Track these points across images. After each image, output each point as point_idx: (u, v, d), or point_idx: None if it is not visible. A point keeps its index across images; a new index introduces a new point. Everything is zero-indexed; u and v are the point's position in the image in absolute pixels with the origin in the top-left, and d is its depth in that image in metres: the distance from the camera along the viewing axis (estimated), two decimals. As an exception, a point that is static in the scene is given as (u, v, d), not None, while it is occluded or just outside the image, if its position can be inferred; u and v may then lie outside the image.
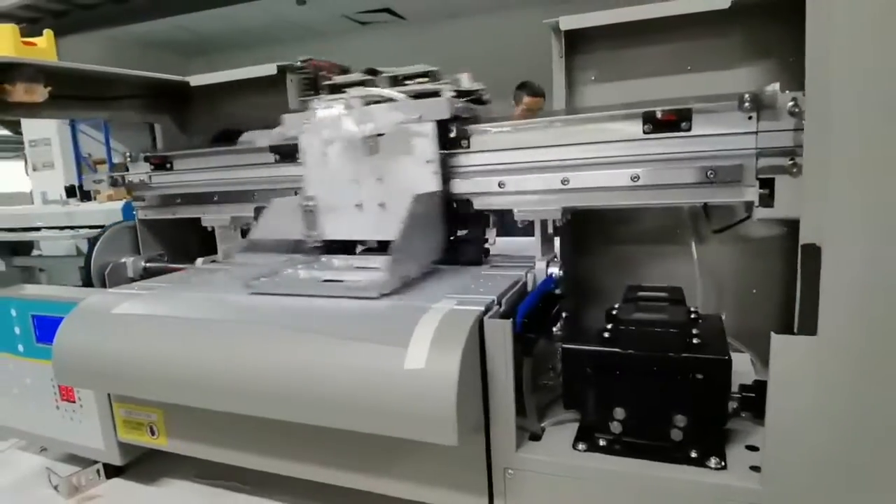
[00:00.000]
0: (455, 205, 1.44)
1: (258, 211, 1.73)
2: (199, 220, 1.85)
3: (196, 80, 2.17)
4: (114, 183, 1.87)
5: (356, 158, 1.47)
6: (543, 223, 1.40)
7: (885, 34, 0.80)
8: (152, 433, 1.46)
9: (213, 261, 1.83)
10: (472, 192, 1.44)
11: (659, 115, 1.21)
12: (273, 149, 1.69)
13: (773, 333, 0.90)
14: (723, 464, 1.01)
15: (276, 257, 1.56)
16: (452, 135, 1.41)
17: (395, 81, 1.54)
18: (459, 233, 1.51)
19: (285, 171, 1.69)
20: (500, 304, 1.16)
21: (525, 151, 1.36)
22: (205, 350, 1.18)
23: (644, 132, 1.23)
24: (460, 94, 1.49)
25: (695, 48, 1.52)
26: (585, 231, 1.65)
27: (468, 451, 1.13)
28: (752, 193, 1.10)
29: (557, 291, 1.37)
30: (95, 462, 1.59)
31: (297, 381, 1.08)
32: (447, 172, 1.42)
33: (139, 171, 1.86)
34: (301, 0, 7.43)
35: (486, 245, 1.54)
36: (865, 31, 0.81)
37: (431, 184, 1.40)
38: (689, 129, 1.21)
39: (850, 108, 0.82)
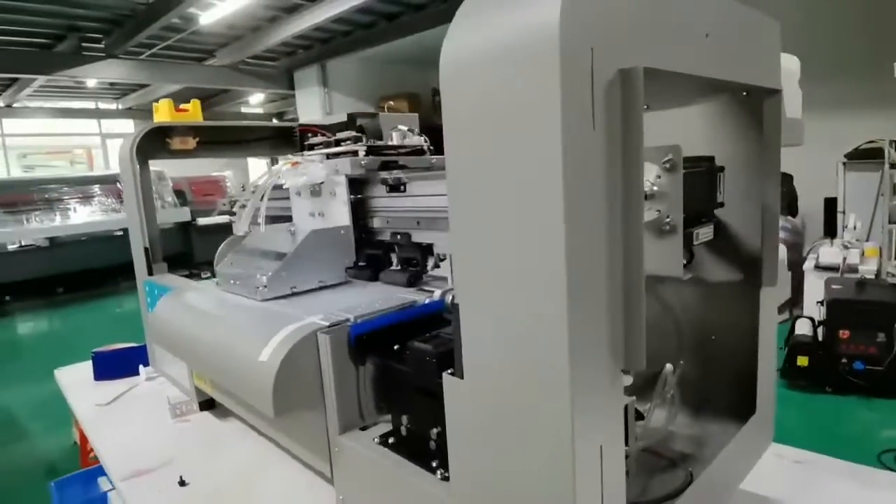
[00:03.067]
0: (363, 235, 1.98)
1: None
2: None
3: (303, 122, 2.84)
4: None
5: (309, 199, 2.05)
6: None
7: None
8: (205, 382, 2.15)
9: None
10: (396, 228, 1.84)
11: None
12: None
13: (444, 374, 1.10)
14: (447, 475, 1.21)
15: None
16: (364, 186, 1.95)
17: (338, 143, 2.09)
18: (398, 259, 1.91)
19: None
20: (354, 320, 1.50)
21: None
22: (184, 328, 1.81)
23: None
24: (373, 149, 2.01)
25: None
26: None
27: (319, 427, 1.51)
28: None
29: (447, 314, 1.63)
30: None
31: (214, 355, 1.62)
32: (366, 211, 1.92)
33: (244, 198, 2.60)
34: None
35: (423, 268, 1.85)
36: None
37: (345, 219, 1.97)
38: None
39: (475, 189, 0.99)
